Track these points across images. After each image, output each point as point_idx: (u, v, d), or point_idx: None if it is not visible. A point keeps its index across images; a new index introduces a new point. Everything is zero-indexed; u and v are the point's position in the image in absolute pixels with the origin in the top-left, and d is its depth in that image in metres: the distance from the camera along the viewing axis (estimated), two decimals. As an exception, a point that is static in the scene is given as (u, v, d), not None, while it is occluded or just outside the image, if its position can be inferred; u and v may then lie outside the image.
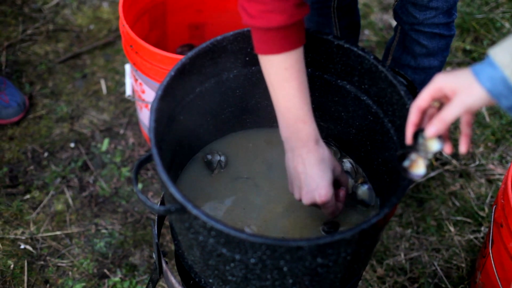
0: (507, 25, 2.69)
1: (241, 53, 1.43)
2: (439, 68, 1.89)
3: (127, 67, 2.08)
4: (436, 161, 2.27)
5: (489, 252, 1.71)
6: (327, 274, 1.27)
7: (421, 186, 2.20)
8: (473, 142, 2.33)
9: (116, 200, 2.15)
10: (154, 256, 1.53)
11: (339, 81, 1.46)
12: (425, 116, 1.17)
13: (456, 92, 1.08)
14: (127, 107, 2.38)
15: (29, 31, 2.59)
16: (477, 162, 2.28)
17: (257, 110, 1.57)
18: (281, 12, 1.23)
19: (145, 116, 2.10)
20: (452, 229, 2.11)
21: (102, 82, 2.45)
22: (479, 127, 2.37)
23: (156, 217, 1.51)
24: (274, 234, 1.42)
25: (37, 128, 2.31)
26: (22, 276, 1.97)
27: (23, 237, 2.05)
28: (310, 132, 1.32)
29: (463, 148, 1.13)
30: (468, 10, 2.72)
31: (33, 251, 2.02)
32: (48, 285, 1.96)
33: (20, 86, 2.42)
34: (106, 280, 1.97)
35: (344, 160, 1.56)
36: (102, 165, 2.23)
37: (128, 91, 2.06)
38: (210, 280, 1.35)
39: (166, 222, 2.06)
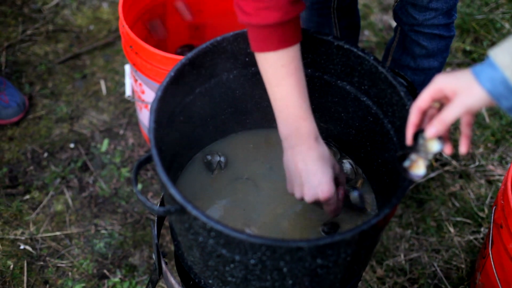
0: (507, 25, 2.70)
1: (241, 54, 1.43)
2: (438, 69, 1.89)
3: (127, 68, 2.08)
4: (436, 162, 2.27)
5: (489, 253, 1.71)
6: (327, 275, 1.27)
7: (421, 187, 2.20)
8: (473, 143, 2.33)
9: (115, 200, 2.14)
10: (153, 256, 1.53)
11: (339, 82, 1.46)
12: (425, 116, 1.17)
13: (456, 93, 1.08)
14: (126, 107, 2.38)
15: (29, 32, 2.59)
16: (477, 163, 2.28)
17: (257, 111, 1.57)
18: (276, 9, 1.23)
19: (144, 116, 2.10)
20: (452, 230, 2.11)
21: (102, 83, 2.45)
22: (479, 127, 2.37)
23: (156, 218, 1.51)
24: (274, 235, 1.42)
25: (36, 129, 2.31)
26: (22, 277, 1.97)
27: (23, 238, 2.05)
28: (310, 129, 1.31)
29: (463, 148, 1.13)
30: (468, 11, 2.72)
31: (33, 251, 2.02)
32: (47, 286, 1.96)
33: (20, 87, 2.41)
34: (105, 281, 1.97)
35: (344, 160, 1.56)
36: (101, 165, 2.23)
37: (128, 92, 2.06)
38: (210, 281, 1.34)
39: (166, 223, 2.06)
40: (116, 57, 2.53)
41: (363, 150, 1.51)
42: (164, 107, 1.31)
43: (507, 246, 1.61)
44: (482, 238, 2.10)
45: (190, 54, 1.36)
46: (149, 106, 2.04)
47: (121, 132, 2.32)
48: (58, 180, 2.18)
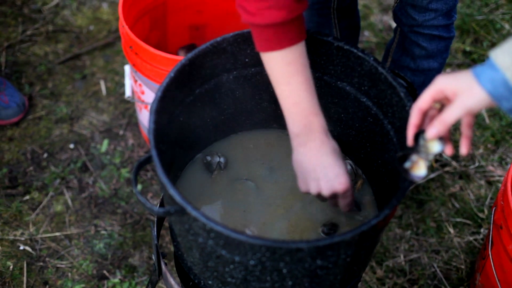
0: (507, 26, 2.69)
1: (241, 55, 1.43)
2: (438, 70, 1.88)
3: (127, 68, 2.08)
4: (436, 163, 2.27)
5: (489, 254, 1.71)
6: (326, 275, 1.26)
7: (421, 188, 2.20)
8: (473, 143, 2.33)
9: (115, 201, 2.14)
10: (153, 257, 1.53)
11: (339, 82, 1.46)
12: (426, 117, 1.17)
13: (457, 94, 1.08)
14: (126, 108, 2.38)
15: (28, 32, 2.59)
16: (477, 164, 2.28)
17: (257, 112, 1.57)
18: (280, 7, 1.23)
19: (144, 117, 2.10)
20: (451, 230, 2.11)
21: (102, 83, 2.45)
22: (479, 128, 2.37)
23: (156, 219, 1.51)
24: (274, 235, 1.42)
25: (36, 129, 2.31)
26: (22, 277, 1.97)
27: (23, 238, 2.05)
28: (321, 123, 1.32)
29: (463, 149, 1.13)
30: (468, 12, 2.72)
31: (33, 252, 2.02)
32: (47, 286, 1.96)
33: (20, 87, 2.41)
34: (105, 281, 1.97)
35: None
36: (101, 166, 2.23)
37: (128, 92, 2.06)
38: (210, 282, 1.34)
39: (166, 224, 2.06)
40: (116, 58, 2.53)
41: (363, 151, 1.51)
42: (164, 108, 1.31)
43: (507, 247, 1.60)
44: (482, 239, 2.10)
45: (190, 55, 1.36)
46: (149, 107, 2.04)
47: (121, 132, 2.32)
48: (58, 180, 2.18)
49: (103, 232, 2.07)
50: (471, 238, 2.09)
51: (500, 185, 2.23)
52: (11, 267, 1.99)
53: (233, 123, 1.57)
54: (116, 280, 1.97)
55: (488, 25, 2.69)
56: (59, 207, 2.12)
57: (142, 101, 2.04)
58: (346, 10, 1.96)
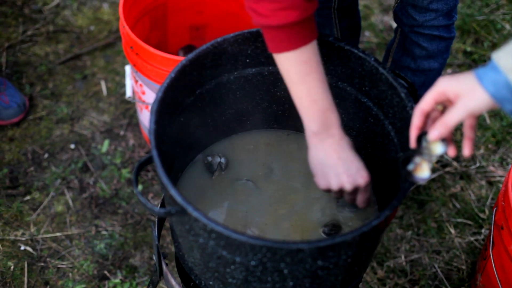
0: (507, 26, 2.69)
1: (242, 55, 1.43)
2: (439, 70, 1.88)
3: (128, 69, 2.08)
4: (437, 163, 2.27)
5: (490, 254, 1.71)
6: (327, 276, 1.26)
7: (422, 188, 2.20)
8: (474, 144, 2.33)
9: (116, 201, 2.14)
10: (154, 258, 1.53)
11: (339, 83, 1.46)
12: (429, 119, 1.17)
13: (459, 96, 1.08)
14: (127, 108, 2.38)
15: (29, 32, 2.59)
16: (478, 164, 2.28)
17: (257, 112, 1.57)
18: (294, 7, 1.23)
19: (145, 117, 2.10)
20: (452, 231, 2.11)
21: (103, 83, 2.45)
22: (480, 128, 2.37)
23: (157, 219, 1.51)
24: (275, 236, 1.42)
25: (37, 129, 2.31)
26: (22, 278, 1.97)
27: (23, 239, 2.05)
28: (337, 119, 1.33)
29: (466, 151, 1.13)
30: (468, 12, 2.72)
31: (33, 252, 2.02)
32: (48, 287, 1.96)
33: (20, 87, 2.41)
34: (106, 282, 1.97)
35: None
36: (102, 166, 2.23)
37: (129, 93, 2.06)
38: (211, 282, 1.34)
39: (167, 224, 2.06)
40: (116, 58, 2.53)
41: (364, 152, 1.51)
42: (164, 108, 1.31)
43: (508, 248, 1.60)
44: (483, 240, 2.09)
45: (190, 55, 1.36)
46: (149, 107, 2.04)
47: (122, 133, 2.32)
48: (59, 181, 2.18)
49: (104, 232, 2.07)
50: (472, 239, 2.09)
51: (501, 185, 2.22)
52: (12, 267, 1.99)
53: (234, 124, 1.57)
54: (117, 280, 1.97)
55: (488, 25, 2.69)
56: (60, 208, 2.12)
57: (143, 102, 2.04)
58: (347, 10, 1.96)
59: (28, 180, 2.18)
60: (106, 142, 2.28)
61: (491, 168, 2.27)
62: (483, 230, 2.11)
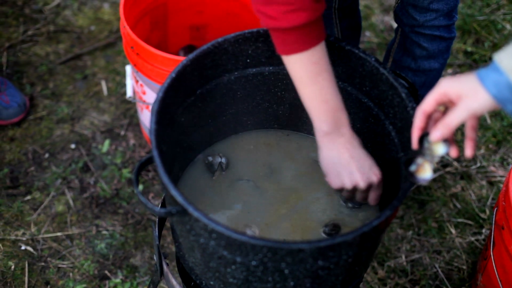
0: (508, 26, 2.69)
1: (242, 55, 1.43)
2: (439, 70, 1.88)
3: (128, 68, 2.08)
4: (437, 163, 2.27)
5: (490, 254, 1.71)
6: (328, 276, 1.26)
7: (422, 188, 2.20)
8: (474, 144, 2.33)
9: (116, 201, 2.14)
10: (155, 257, 1.53)
11: (340, 83, 1.45)
12: (430, 120, 1.17)
13: (461, 97, 1.08)
14: (127, 108, 2.38)
15: (30, 32, 2.59)
16: (478, 164, 2.27)
17: (258, 112, 1.57)
18: (304, 9, 1.23)
19: (146, 117, 2.10)
20: (453, 231, 2.11)
21: (103, 83, 2.45)
22: (480, 129, 2.37)
23: (157, 219, 1.51)
24: (276, 236, 1.42)
25: (37, 129, 2.31)
26: (23, 277, 1.97)
27: (24, 238, 2.05)
28: (347, 118, 1.34)
29: (468, 152, 1.13)
30: (469, 12, 2.72)
31: (34, 252, 2.02)
32: (48, 286, 1.96)
33: (21, 87, 2.41)
34: (107, 282, 1.97)
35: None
36: (102, 166, 2.23)
37: (129, 93, 2.06)
38: (211, 282, 1.34)
39: (167, 224, 2.06)
40: (117, 58, 2.53)
41: (365, 152, 1.51)
42: (165, 108, 1.31)
43: (509, 248, 1.60)
44: (484, 240, 2.09)
45: (191, 55, 1.36)
46: (150, 107, 2.04)
47: (122, 133, 2.32)
48: (59, 180, 2.18)
49: (104, 232, 2.07)
50: (472, 239, 2.09)
51: (501, 185, 2.22)
52: (13, 267, 1.99)
53: (234, 124, 1.57)
54: (118, 280, 1.97)
55: (489, 25, 2.69)
56: (60, 207, 2.12)
57: (144, 102, 2.04)
58: (348, 10, 1.96)
59: (28, 180, 2.18)
60: (107, 142, 2.28)
61: (492, 168, 2.27)
62: (483, 230, 2.11)
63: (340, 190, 1.40)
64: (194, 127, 1.48)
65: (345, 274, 1.31)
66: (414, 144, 1.19)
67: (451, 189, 2.21)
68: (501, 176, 2.25)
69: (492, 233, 1.71)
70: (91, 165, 2.23)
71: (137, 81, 2.02)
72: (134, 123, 2.35)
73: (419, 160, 1.20)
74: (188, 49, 2.29)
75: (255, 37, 1.41)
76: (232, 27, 2.22)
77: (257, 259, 1.18)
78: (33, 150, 2.25)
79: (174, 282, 1.45)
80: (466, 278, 2.02)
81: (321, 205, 1.48)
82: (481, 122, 2.39)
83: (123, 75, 2.47)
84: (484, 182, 2.23)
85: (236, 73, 1.46)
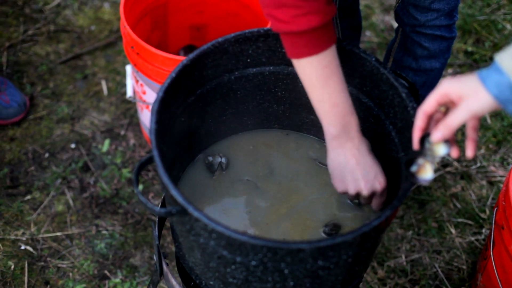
0: (508, 26, 2.69)
1: (243, 55, 1.43)
2: (440, 70, 1.88)
3: (128, 68, 2.08)
4: (438, 163, 2.27)
5: (490, 254, 1.71)
6: (328, 276, 1.26)
7: (422, 188, 2.20)
8: (474, 144, 2.33)
9: (116, 201, 2.14)
10: (154, 257, 1.53)
11: (340, 83, 1.45)
12: (432, 120, 1.17)
13: (462, 98, 1.08)
14: (128, 108, 2.38)
15: (30, 32, 2.59)
16: (478, 164, 2.27)
17: (258, 112, 1.57)
18: (316, 12, 1.22)
19: (146, 117, 2.10)
20: (453, 231, 2.11)
21: (103, 83, 2.45)
22: (481, 129, 2.37)
23: (157, 219, 1.51)
24: (276, 236, 1.42)
25: (37, 129, 2.31)
26: (23, 277, 1.97)
27: (24, 238, 2.05)
28: (356, 122, 1.33)
29: (469, 152, 1.13)
30: (469, 12, 2.72)
31: (34, 252, 2.02)
32: (48, 286, 1.96)
33: (21, 87, 2.41)
34: (106, 281, 1.97)
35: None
36: (102, 166, 2.23)
37: (129, 92, 2.06)
38: (211, 282, 1.34)
39: (167, 223, 2.06)
40: (117, 58, 2.53)
41: (365, 152, 1.51)
42: (165, 108, 1.31)
43: (509, 248, 1.60)
44: (483, 239, 2.09)
45: (191, 55, 1.36)
46: (150, 107, 2.04)
47: (122, 132, 2.32)
48: (59, 180, 2.18)
49: (104, 232, 2.07)
50: (472, 239, 2.09)
51: (501, 185, 2.22)
52: (12, 267, 1.99)
53: (235, 124, 1.57)
54: (117, 280, 1.97)
55: (489, 25, 2.69)
56: (60, 207, 2.12)
57: (144, 101, 2.04)
58: (348, 9, 1.96)
59: (28, 180, 2.18)
60: (107, 142, 2.28)
61: (492, 168, 2.27)
62: (483, 230, 2.11)
63: (344, 193, 1.40)
64: (194, 127, 1.48)
65: (345, 274, 1.31)
66: (415, 144, 1.19)
67: (451, 189, 2.21)
68: (501, 176, 2.25)
69: (492, 233, 1.71)
70: (91, 165, 2.23)
71: (137, 81, 2.02)
72: (134, 123, 2.34)
73: (420, 160, 1.20)
74: (188, 49, 2.29)
75: (255, 37, 1.41)
76: (232, 27, 2.22)
77: (257, 259, 1.18)
78: (33, 150, 2.25)
79: (173, 282, 1.45)
80: (466, 278, 2.02)
81: (321, 204, 1.48)
82: (481, 122, 2.39)
83: (123, 75, 2.47)
84: (484, 182, 2.23)
85: (236, 73, 1.46)
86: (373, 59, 1.36)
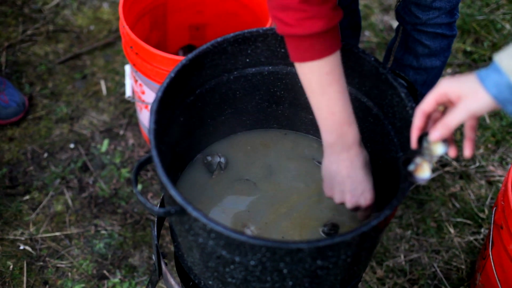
0: (507, 26, 2.69)
1: (242, 55, 1.43)
2: (440, 68, 1.89)
3: (127, 68, 2.08)
4: (436, 163, 2.27)
5: (489, 254, 1.71)
6: (327, 276, 1.26)
7: (421, 188, 2.20)
8: (473, 143, 2.33)
9: (115, 201, 2.14)
10: (153, 257, 1.53)
11: (339, 82, 1.45)
12: (430, 120, 1.17)
13: (461, 97, 1.08)
14: (127, 108, 2.38)
15: (29, 32, 2.59)
16: (477, 164, 2.28)
17: (257, 112, 1.57)
18: (321, 17, 1.22)
19: (145, 117, 2.10)
20: (452, 230, 2.11)
21: (102, 83, 2.45)
22: (479, 128, 2.37)
23: (156, 219, 1.51)
24: (274, 235, 1.42)
25: (36, 129, 2.31)
26: (22, 277, 1.97)
27: (23, 238, 2.05)
28: (355, 134, 1.31)
29: (467, 152, 1.13)
30: (468, 12, 2.72)
31: (33, 252, 2.02)
32: (47, 286, 1.96)
33: (20, 87, 2.41)
34: (105, 281, 1.97)
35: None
36: (101, 166, 2.23)
37: (128, 92, 2.06)
38: (210, 282, 1.34)
39: (166, 223, 2.06)
40: (116, 58, 2.53)
41: (364, 151, 1.51)
42: (164, 108, 1.31)
43: (507, 247, 1.60)
44: (482, 239, 2.09)
45: (190, 55, 1.35)
46: (149, 107, 2.04)
47: (121, 132, 2.32)
48: (58, 180, 2.18)
49: (103, 232, 2.07)
50: (471, 238, 2.09)
51: (500, 185, 2.22)
52: (11, 266, 1.99)
53: (234, 123, 1.57)
54: (116, 280, 1.97)
55: (488, 25, 2.69)
56: (59, 207, 2.12)
57: (143, 101, 2.04)
58: (347, 9, 1.96)
59: (27, 180, 2.18)
60: (106, 142, 2.28)
61: (491, 167, 2.27)
62: (482, 230, 2.11)
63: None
64: (193, 126, 1.48)
65: (344, 274, 1.31)
66: (413, 143, 1.19)
67: (450, 188, 2.21)
68: (500, 176, 2.25)
69: (491, 233, 1.71)
70: (90, 164, 2.23)
71: (136, 81, 2.02)
72: (133, 122, 2.34)
73: (418, 159, 1.20)
74: (187, 49, 2.29)
75: (255, 37, 1.41)
76: (231, 27, 2.22)
77: (256, 259, 1.18)
78: (32, 150, 2.25)
79: (172, 281, 1.45)
80: (464, 278, 2.02)
81: (320, 204, 1.48)
82: (480, 122, 2.39)
83: (122, 74, 2.47)
84: (483, 182, 2.23)
85: (235, 72, 1.46)
86: (372, 59, 1.36)
